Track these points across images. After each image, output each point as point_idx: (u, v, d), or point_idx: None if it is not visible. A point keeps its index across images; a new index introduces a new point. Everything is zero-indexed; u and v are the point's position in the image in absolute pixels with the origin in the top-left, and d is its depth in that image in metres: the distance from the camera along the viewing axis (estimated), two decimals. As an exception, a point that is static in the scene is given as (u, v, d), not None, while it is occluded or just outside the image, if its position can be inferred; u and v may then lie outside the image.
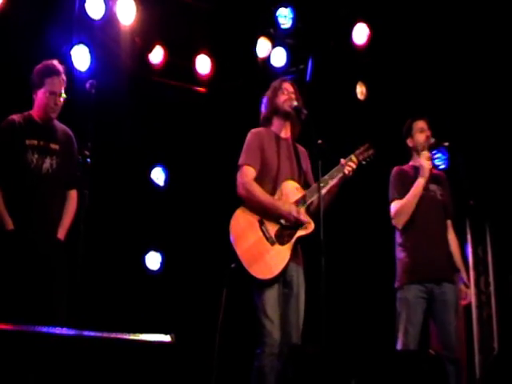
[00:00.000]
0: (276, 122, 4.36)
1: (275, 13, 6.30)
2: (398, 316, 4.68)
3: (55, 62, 4.43)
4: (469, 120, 6.43)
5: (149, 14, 5.95)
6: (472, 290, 6.49)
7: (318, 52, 6.56)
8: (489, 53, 5.97)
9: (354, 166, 4.23)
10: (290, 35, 6.47)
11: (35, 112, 4.42)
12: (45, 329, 2.91)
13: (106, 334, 2.99)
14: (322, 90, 6.40)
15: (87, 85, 4.32)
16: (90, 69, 5.65)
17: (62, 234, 4.35)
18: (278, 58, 6.51)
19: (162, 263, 6.79)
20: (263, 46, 6.46)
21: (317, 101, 5.30)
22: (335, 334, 4.31)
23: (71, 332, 3.00)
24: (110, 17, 5.74)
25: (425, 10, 5.92)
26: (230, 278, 4.11)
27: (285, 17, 6.31)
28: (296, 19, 6.30)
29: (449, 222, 4.93)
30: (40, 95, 4.38)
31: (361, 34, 6.29)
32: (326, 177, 4.14)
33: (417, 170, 4.84)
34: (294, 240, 4.07)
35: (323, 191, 4.07)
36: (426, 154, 4.84)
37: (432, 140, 4.87)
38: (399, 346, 4.61)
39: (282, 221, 4.08)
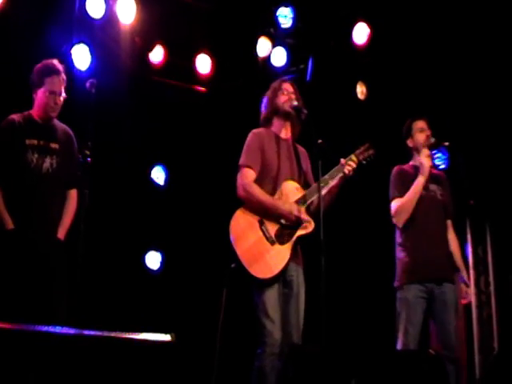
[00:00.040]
0: (276, 123, 4.36)
1: (275, 12, 6.30)
2: (398, 316, 4.68)
3: (55, 62, 4.43)
4: (469, 120, 6.43)
5: (149, 13, 5.94)
6: (472, 290, 6.49)
7: (318, 52, 6.55)
8: (489, 53, 5.98)
9: (354, 166, 4.23)
10: (291, 35, 6.46)
11: (35, 111, 4.42)
12: (45, 328, 2.91)
13: (106, 333, 2.99)
14: (322, 90, 6.40)
15: (87, 84, 4.32)
16: (90, 68, 5.65)
17: (61, 233, 4.35)
18: (279, 57, 6.51)
19: (162, 263, 6.78)
20: (263, 46, 6.46)
21: (317, 101, 5.30)
22: (335, 334, 4.30)
23: (71, 331, 3.00)
24: (110, 16, 5.73)
25: (425, 10, 5.92)
26: (231, 278, 4.11)
27: (285, 16, 6.31)
28: (296, 19, 6.30)
29: (449, 222, 4.93)
30: (40, 95, 4.38)
31: (361, 33, 6.28)
32: (326, 176, 4.15)
33: (417, 170, 4.84)
34: (294, 239, 4.07)
35: (323, 191, 4.07)
36: (425, 151, 4.84)
37: (432, 140, 4.87)
38: (399, 346, 4.61)
39: (283, 220, 4.08)
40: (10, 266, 4.14)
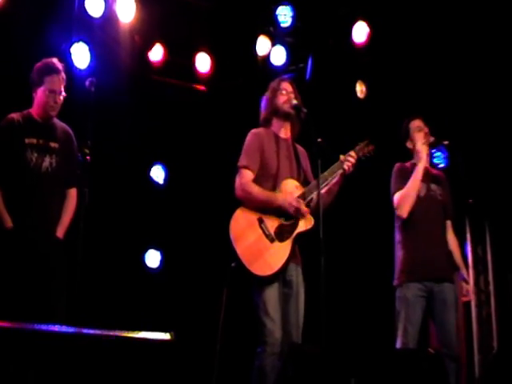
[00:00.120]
0: (275, 123, 4.36)
1: (275, 11, 6.29)
2: (397, 315, 4.68)
3: (55, 60, 4.43)
4: (468, 118, 6.43)
5: (148, 12, 5.94)
6: (471, 289, 6.49)
7: (317, 51, 6.56)
8: (488, 51, 5.97)
9: (354, 161, 4.22)
10: (290, 34, 6.46)
11: (35, 110, 4.42)
12: (44, 326, 2.91)
13: (105, 332, 2.99)
14: (321, 89, 6.40)
15: (87, 83, 4.31)
16: (89, 67, 5.65)
17: (60, 232, 4.35)
18: (278, 56, 6.51)
19: (161, 261, 6.79)
20: (263, 45, 6.46)
21: (316, 99, 5.30)
22: (335, 334, 4.30)
23: (71, 329, 3.00)
24: (109, 15, 5.73)
25: (424, 9, 5.92)
26: (231, 277, 4.10)
27: (285, 15, 6.30)
28: (296, 18, 6.29)
29: (448, 223, 4.92)
30: (39, 93, 4.38)
31: (360, 32, 6.28)
32: (326, 173, 4.15)
33: None
34: (293, 236, 4.08)
35: (323, 188, 4.08)
36: (421, 139, 4.80)
37: (431, 138, 4.86)
38: (398, 345, 4.60)
39: (282, 219, 4.08)
40: (10, 265, 4.14)
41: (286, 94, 4.32)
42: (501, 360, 4.63)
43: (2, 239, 4.19)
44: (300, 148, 4.42)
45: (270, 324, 3.94)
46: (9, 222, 4.19)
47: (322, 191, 4.06)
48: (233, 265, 4.02)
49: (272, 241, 4.03)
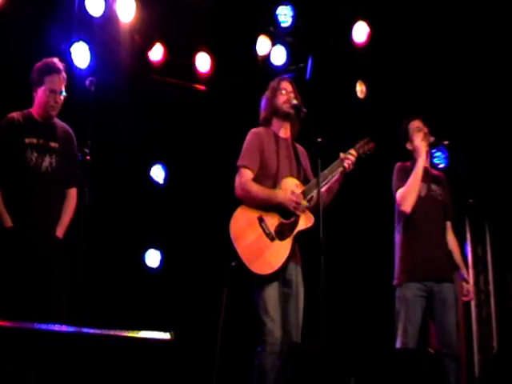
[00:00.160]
0: (275, 123, 4.36)
1: (275, 11, 6.29)
2: (397, 315, 4.67)
3: (55, 60, 4.42)
4: (468, 118, 6.43)
5: (148, 11, 5.94)
6: (472, 289, 6.49)
7: (317, 50, 6.56)
8: (488, 51, 5.97)
9: (353, 159, 4.22)
10: (290, 33, 6.46)
11: (35, 110, 4.42)
12: (44, 326, 2.91)
13: (105, 332, 2.99)
14: (321, 89, 6.40)
15: (87, 82, 4.31)
16: (89, 66, 5.65)
17: (60, 232, 4.35)
18: (278, 56, 6.51)
19: (161, 261, 6.79)
20: (263, 45, 6.46)
21: (316, 99, 5.30)
22: (335, 333, 4.30)
23: (70, 329, 3.01)
24: (109, 14, 5.73)
25: (424, 9, 5.92)
26: (231, 277, 4.10)
27: (285, 15, 6.30)
28: (296, 17, 6.29)
29: (448, 224, 4.91)
30: (40, 93, 4.37)
31: (361, 32, 6.28)
32: (326, 171, 4.15)
33: None
34: (294, 234, 4.08)
35: (323, 186, 4.08)
36: (419, 135, 4.80)
37: (431, 138, 4.85)
38: (398, 345, 4.60)
39: (282, 218, 4.08)
40: (10, 265, 4.13)
41: (286, 94, 4.32)
42: (501, 360, 4.63)
43: (2, 239, 4.19)
44: (300, 147, 4.42)
45: (270, 323, 3.93)
46: (8, 222, 4.19)
47: (322, 189, 4.06)
48: (233, 264, 4.02)
49: (272, 239, 4.03)
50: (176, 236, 6.73)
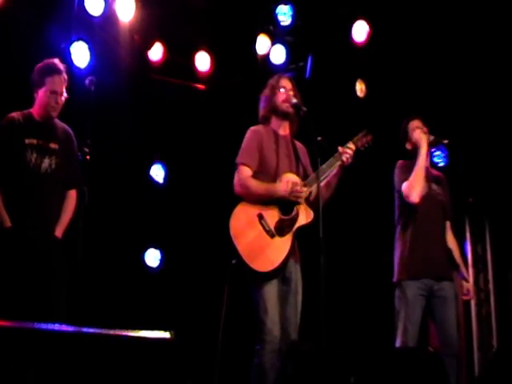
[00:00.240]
0: (274, 121, 4.35)
1: (275, 10, 6.29)
2: (397, 314, 4.67)
3: (56, 61, 4.41)
4: (468, 117, 6.43)
5: (148, 11, 5.94)
6: (471, 288, 6.50)
7: (317, 49, 6.56)
8: (488, 50, 5.97)
9: (351, 153, 4.21)
10: (290, 32, 6.46)
11: (36, 110, 4.41)
12: (44, 325, 2.91)
13: (105, 331, 2.99)
14: (321, 88, 6.40)
15: (86, 82, 4.31)
16: (89, 66, 5.64)
17: (59, 232, 4.35)
18: (278, 55, 6.50)
19: (161, 260, 6.79)
20: (263, 43, 6.46)
21: (316, 98, 5.30)
22: (334, 332, 4.31)
23: (70, 328, 3.00)
24: (109, 14, 5.72)
25: (424, 8, 5.92)
26: (232, 275, 4.10)
27: (284, 14, 6.30)
28: (296, 16, 6.29)
29: (448, 224, 4.92)
30: (41, 94, 4.36)
31: (360, 31, 6.28)
32: (324, 166, 4.14)
33: None
34: (294, 230, 4.07)
35: (322, 180, 4.08)
36: (419, 130, 4.79)
37: (431, 137, 4.85)
38: (398, 345, 4.59)
39: (282, 215, 4.07)
40: (9, 264, 4.13)
41: (285, 92, 4.31)
42: (500, 358, 4.63)
43: (1, 239, 4.19)
44: (299, 144, 4.41)
45: (269, 322, 3.93)
46: (7, 222, 4.19)
47: (321, 184, 4.06)
48: (233, 262, 4.02)
49: (272, 236, 4.03)
50: (176, 235, 6.73)
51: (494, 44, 5.92)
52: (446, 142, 4.98)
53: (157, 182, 6.90)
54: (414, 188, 4.65)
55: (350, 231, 6.77)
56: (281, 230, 4.06)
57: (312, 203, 4.14)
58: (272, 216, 4.07)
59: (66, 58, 5.33)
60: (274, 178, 4.16)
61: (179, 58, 6.54)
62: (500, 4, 5.70)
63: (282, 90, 4.31)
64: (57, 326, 3.02)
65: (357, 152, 4.25)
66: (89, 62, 5.65)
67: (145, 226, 6.53)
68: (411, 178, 4.67)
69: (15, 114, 4.38)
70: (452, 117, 6.23)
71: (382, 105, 6.51)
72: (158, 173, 6.92)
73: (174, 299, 6.47)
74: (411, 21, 6.06)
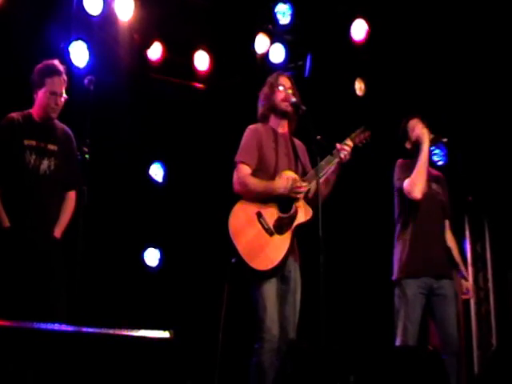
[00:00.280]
0: (273, 119, 4.35)
1: (274, 9, 6.29)
2: (397, 313, 4.67)
3: (56, 62, 4.41)
4: (467, 116, 6.43)
5: (147, 10, 5.94)
6: (471, 287, 6.50)
7: (316, 48, 6.56)
8: (487, 49, 5.97)
9: (349, 149, 4.21)
10: (289, 31, 6.46)
11: (35, 111, 4.40)
12: (44, 325, 2.91)
13: (104, 331, 2.99)
14: (320, 86, 6.40)
15: (85, 81, 4.30)
16: (88, 65, 5.65)
17: (58, 232, 4.34)
18: (277, 54, 6.51)
19: (160, 260, 6.79)
20: (262, 42, 6.46)
21: (315, 97, 5.30)
22: (334, 330, 4.31)
23: (70, 328, 3.01)
24: (108, 13, 5.72)
25: (423, 6, 5.92)
26: (231, 273, 4.10)
27: (283, 13, 6.30)
28: (294, 15, 6.29)
29: (447, 223, 4.92)
30: (40, 95, 4.35)
31: (359, 30, 6.28)
32: (322, 163, 4.14)
33: None
34: (292, 228, 4.07)
35: (321, 177, 4.08)
36: (419, 125, 4.79)
37: (431, 136, 4.85)
38: (398, 344, 4.60)
39: (281, 212, 4.07)
40: (8, 264, 4.13)
41: (284, 91, 4.30)
42: (500, 357, 4.63)
43: (0, 239, 4.18)
44: (298, 142, 4.41)
45: (268, 320, 3.94)
46: (6, 222, 4.18)
47: (320, 180, 4.06)
48: (233, 260, 4.02)
49: (271, 234, 4.03)
50: (175, 234, 6.73)
51: (493, 42, 5.92)
52: (445, 140, 4.98)
53: (156, 182, 6.89)
54: (416, 184, 4.64)
55: (350, 230, 6.77)
56: (280, 228, 4.06)
57: (311, 200, 4.15)
58: (271, 214, 4.07)
59: (65, 58, 5.33)
60: (273, 176, 4.15)
61: (178, 57, 6.54)
62: (499, 3, 5.70)
63: (280, 88, 4.31)
64: (57, 326, 3.02)
65: (355, 148, 4.26)
66: (88, 62, 5.65)
67: (144, 226, 6.53)
68: (413, 174, 4.66)
69: (15, 115, 4.37)
70: (451, 115, 6.23)
71: (381, 103, 6.51)
72: (157, 172, 6.92)
73: (174, 298, 6.47)
74: (410, 19, 6.06)
